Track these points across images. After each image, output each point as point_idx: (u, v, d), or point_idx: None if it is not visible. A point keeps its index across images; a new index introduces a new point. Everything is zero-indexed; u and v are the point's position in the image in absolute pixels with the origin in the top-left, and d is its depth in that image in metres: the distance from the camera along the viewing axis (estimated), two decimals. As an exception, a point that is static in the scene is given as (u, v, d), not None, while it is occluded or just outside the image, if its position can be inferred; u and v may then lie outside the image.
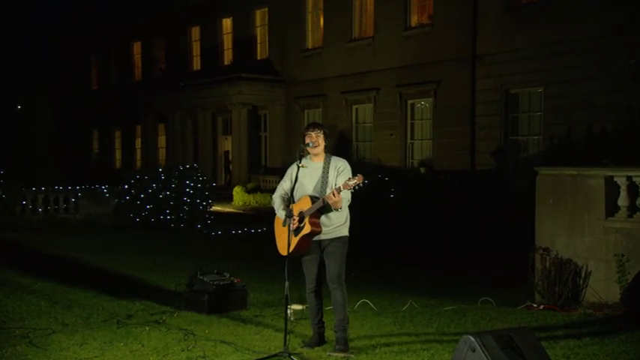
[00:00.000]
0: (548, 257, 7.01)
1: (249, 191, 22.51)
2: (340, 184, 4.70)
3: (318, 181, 4.92)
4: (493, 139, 17.49)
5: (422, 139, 20.09)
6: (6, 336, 5.28)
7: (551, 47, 15.88)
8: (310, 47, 23.68)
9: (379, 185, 15.79)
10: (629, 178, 6.83)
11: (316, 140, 4.94)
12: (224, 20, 27.45)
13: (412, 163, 20.21)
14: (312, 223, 4.80)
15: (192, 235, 14.46)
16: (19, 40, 35.13)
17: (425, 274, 9.92)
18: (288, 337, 4.75)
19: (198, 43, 28.92)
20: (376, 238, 13.01)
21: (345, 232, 5.03)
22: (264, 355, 4.72)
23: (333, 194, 4.66)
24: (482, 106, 17.76)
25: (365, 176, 4.68)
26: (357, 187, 4.61)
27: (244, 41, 26.19)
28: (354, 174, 4.71)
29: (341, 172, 4.89)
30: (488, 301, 7.10)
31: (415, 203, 14.73)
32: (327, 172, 4.91)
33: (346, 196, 4.84)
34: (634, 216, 6.80)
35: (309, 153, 5.04)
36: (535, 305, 6.86)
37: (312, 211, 4.77)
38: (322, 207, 4.77)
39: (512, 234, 11.50)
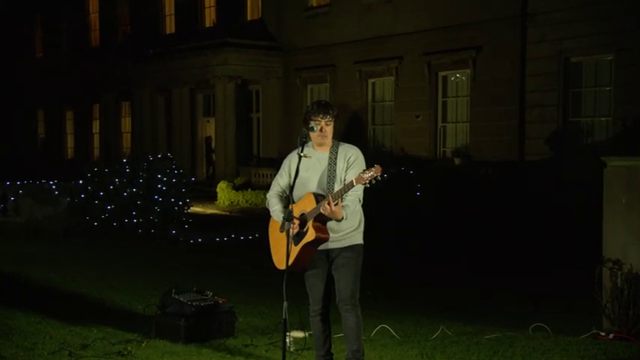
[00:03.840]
0: (619, 272, 6.96)
1: (237, 188, 22.53)
2: (352, 178, 4.67)
3: (324, 175, 4.91)
4: (548, 121, 17.42)
5: (456, 122, 20.04)
6: None
7: (626, 2, 15.76)
8: (314, 5, 23.65)
9: (402, 180, 15.75)
10: None
11: (325, 129, 4.91)
12: (205, -30, 27.46)
13: (444, 152, 20.16)
14: (316, 228, 4.79)
15: (166, 242, 14.47)
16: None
17: (460, 293, 9.90)
18: (286, 372, 4.74)
19: (172, -1, 28.94)
20: (399, 247, 12.99)
21: (359, 239, 5.02)
22: (257, 396, 4.72)
23: (329, 203, 4.64)
24: (535, 80, 17.68)
25: (384, 168, 4.63)
26: (373, 182, 4.57)
27: (231, -3, 26.18)
28: (371, 165, 4.68)
29: (352, 165, 4.88)
30: (541, 328, 7.08)
31: (448, 203, 14.68)
32: (335, 164, 4.90)
33: (357, 193, 4.81)
34: None
35: (311, 139, 5.01)
36: (603, 334, 6.83)
37: (317, 212, 4.76)
38: (330, 207, 4.76)
39: (573, 242, 11.42)
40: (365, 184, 4.60)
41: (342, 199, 4.79)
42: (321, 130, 4.92)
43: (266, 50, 24.56)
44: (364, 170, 4.61)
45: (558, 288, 9.72)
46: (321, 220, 4.81)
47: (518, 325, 7.33)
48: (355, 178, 4.61)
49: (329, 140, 4.98)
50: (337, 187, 4.82)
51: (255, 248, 12.80)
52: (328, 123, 4.95)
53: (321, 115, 4.95)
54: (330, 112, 4.97)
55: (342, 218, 4.76)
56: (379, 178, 4.56)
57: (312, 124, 4.94)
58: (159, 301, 6.66)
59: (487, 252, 12.54)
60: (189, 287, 6.76)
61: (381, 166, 4.57)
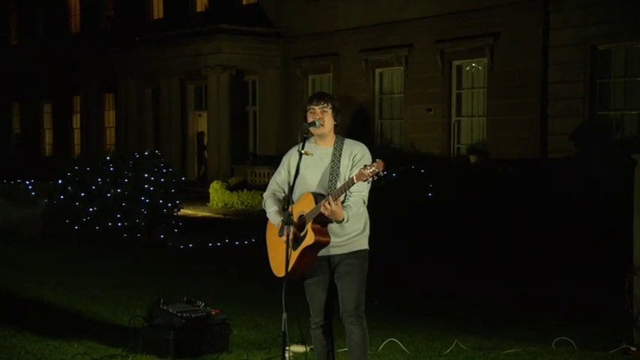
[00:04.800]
0: (651, 281, 6.96)
1: (231, 188, 22.55)
2: (354, 174, 4.68)
3: (325, 173, 4.92)
4: (573, 115, 17.41)
5: (472, 116, 20.03)
6: None
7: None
8: (317, -13, 23.65)
9: (412, 180, 15.75)
10: None
11: (322, 117, 4.93)
12: (196, -51, 27.48)
13: (458, 149, 20.16)
14: (316, 231, 4.79)
15: (153, 248, 14.48)
16: None
17: (476, 301, 9.91)
18: (285, 390, 4.74)
19: (161, -19, 28.97)
20: (408, 252, 13.00)
21: (364, 244, 5.03)
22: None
23: (329, 202, 4.64)
24: (559, 69, 17.67)
25: (392, 167, 4.65)
26: (375, 178, 4.59)
27: (224, -21, 26.18)
28: (372, 160, 4.70)
29: (357, 163, 4.90)
30: (566, 342, 7.08)
31: (463, 205, 14.69)
32: (338, 161, 4.92)
33: (361, 194, 4.83)
34: None
35: (313, 135, 5.03)
36: (634, 349, 6.82)
37: (317, 213, 4.76)
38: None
39: (600, 247, 11.40)
40: (366, 180, 4.61)
41: (345, 198, 4.80)
42: (318, 119, 4.92)
43: (263, 37, 24.55)
44: (365, 166, 4.61)
45: (584, 297, 9.71)
46: (321, 222, 4.80)
47: (540, 338, 7.32)
48: (356, 175, 4.62)
49: (328, 130, 4.99)
50: (340, 186, 4.82)
51: (252, 254, 12.80)
52: (324, 110, 4.96)
53: (315, 102, 4.98)
54: (326, 98, 5.00)
55: (343, 220, 4.76)
56: (382, 174, 4.57)
57: (310, 116, 4.95)
58: (145, 312, 6.66)
59: (505, 257, 12.55)
60: (179, 297, 6.76)
61: (383, 161, 4.57)
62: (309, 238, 4.79)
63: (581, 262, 11.66)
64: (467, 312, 9.27)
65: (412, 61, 20.84)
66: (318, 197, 4.83)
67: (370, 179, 4.60)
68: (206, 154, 26.33)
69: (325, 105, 4.98)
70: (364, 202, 4.90)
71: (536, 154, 17.95)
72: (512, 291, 10.58)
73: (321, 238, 4.81)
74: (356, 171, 4.76)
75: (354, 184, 4.66)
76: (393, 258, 11.72)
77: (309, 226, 4.80)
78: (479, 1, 19.00)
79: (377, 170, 4.55)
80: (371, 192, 4.93)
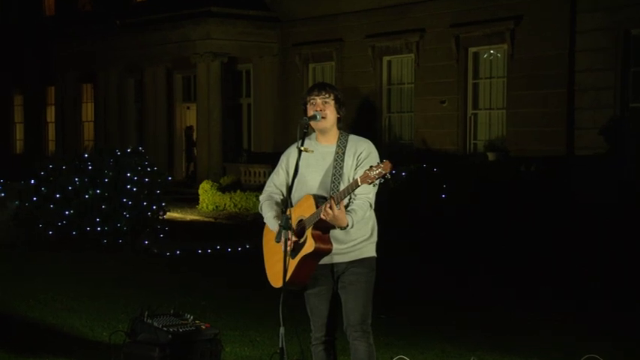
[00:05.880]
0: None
1: (223, 189, 22.55)
2: (358, 176, 4.69)
3: (327, 174, 4.94)
4: (603, 107, 17.41)
5: (490, 109, 20.04)
6: None
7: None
8: (318, -35, 23.66)
9: (424, 180, 15.77)
10: None
11: (323, 109, 4.94)
12: None
13: (475, 145, 20.17)
14: (316, 238, 4.81)
15: (137, 255, 14.50)
16: None
17: (495, 315, 9.91)
18: (283, 413, 4.76)
19: (145, -41, 28.97)
20: (419, 259, 13.00)
21: (371, 251, 5.05)
22: None
23: (330, 207, 4.65)
24: (587, 57, 17.67)
25: (402, 166, 4.67)
26: (382, 181, 4.60)
27: (215, -44, 26.19)
28: (380, 161, 4.70)
29: (362, 162, 4.91)
30: (594, 360, 7.09)
31: (480, 207, 14.71)
32: (342, 160, 4.93)
33: (367, 196, 4.84)
34: None
35: (314, 130, 5.04)
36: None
37: (317, 218, 4.77)
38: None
39: (633, 256, 11.41)
40: (372, 183, 4.61)
41: (350, 201, 4.81)
42: (319, 112, 4.93)
43: (258, 21, 24.56)
44: (371, 167, 4.62)
45: (614, 311, 9.71)
46: (323, 228, 4.81)
47: (565, 355, 7.35)
48: (360, 177, 4.63)
49: (330, 124, 5.00)
50: (343, 187, 4.82)
51: (246, 262, 12.81)
52: (326, 101, 4.97)
53: (315, 92, 4.99)
54: (328, 88, 5.02)
55: (347, 225, 4.77)
56: (389, 176, 4.58)
57: (310, 109, 4.96)
58: (128, 326, 6.66)
59: (527, 266, 12.55)
60: (165, 309, 6.77)
61: (391, 162, 4.58)
62: (309, 246, 4.80)
63: (610, 271, 11.66)
64: (485, 324, 9.27)
65: (424, 48, 20.84)
66: (319, 200, 4.83)
67: (376, 182, 4.61)
68: (195, 151, 26.33)
69: (327, 96, 4.99)
70: (370, 206, 4.90)
71: (561, 151, 17.95)
72: (534, 301, 10.58)
73: (322, 246, 4.82)
74: (361, 172, 4.77)
75: (358, 186, 4.66)
76: (402, 265, 11.72)
77: (308, 232, 4.81)
78: (498, -19, 19.03)
79: (383, 172, 4.56)
80: (379, 193, 4.94)
